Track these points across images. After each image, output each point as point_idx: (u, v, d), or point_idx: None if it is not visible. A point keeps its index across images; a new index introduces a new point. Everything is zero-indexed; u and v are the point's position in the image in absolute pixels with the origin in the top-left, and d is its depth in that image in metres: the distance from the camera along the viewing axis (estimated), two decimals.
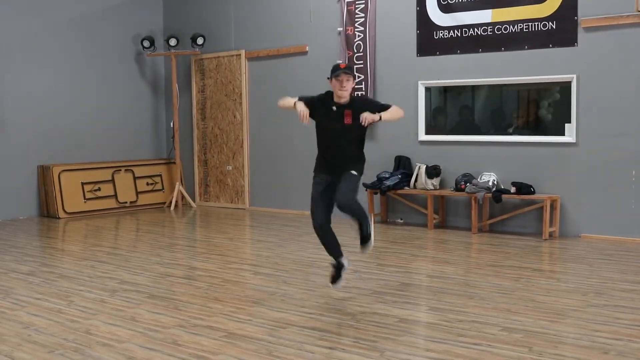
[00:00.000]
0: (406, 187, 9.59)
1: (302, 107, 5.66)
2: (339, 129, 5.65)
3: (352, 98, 5.76)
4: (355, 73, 5.76)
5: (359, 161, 5.81)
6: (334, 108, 5.65)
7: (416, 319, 5.30)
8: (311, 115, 5.69)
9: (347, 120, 5.62)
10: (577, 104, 8.49)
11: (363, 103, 5.88)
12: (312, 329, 4.97)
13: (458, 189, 9.14)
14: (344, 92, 5.58)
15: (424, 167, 9.42)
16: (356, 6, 10.15)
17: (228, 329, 5.01)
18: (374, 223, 5.71)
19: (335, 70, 5.62)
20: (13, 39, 10.90)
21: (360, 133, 5.72)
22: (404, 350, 4.49)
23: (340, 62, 5.83)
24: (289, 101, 5.87)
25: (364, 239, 5.62)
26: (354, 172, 5.66)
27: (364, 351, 4.46)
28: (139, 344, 4.69)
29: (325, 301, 5.71)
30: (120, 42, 12.25)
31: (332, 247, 5.79)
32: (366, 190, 9.80)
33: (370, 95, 10.03)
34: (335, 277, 5.76)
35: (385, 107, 5.74)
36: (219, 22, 11.93)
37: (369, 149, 9.94)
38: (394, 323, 5.08)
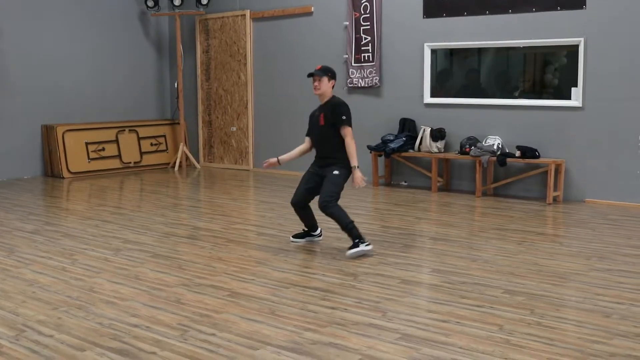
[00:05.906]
0: (410, 150, 9.56)
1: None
2: (317, 130, 6.12)
3: (328, 101, 6.06)
4: (330, 73, 5.96)
5: (340, 159, 6.01)
6: (316, 112, 6.18)
7: (419, 280, 5.32)
8: None
9: (321, 121, 6.06)
10: (584, 67, 8.41)
11: (331, 109, 6.03)
12: (315, 289, 4.99)
13: (463, 152, 9.11)
14: (315, 91, 6.06)
15: (428, 130, 9.37)
16: None
17: (231, 288, 5.03)
18: (365, 246, 5.89)
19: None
20: None
21: (334, 134, 5.99)
22: (406, 311, 4.50)
23: (319, 65, 6.14)
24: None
25: (353, 244, 5.95)
26: (335, 172, 5.97)
27: (366, 311, 4.48)
28: (143, 302, 4.72)
29: (328, 262, 5.73)
30: (124, 2, 12.14)
31: (304, 222, 6.39)
32: (370, 152, 9.79)
33: (376, 57, 9.98)
34: (298, 235, 6.45)
35: (340, 123, 5.92)
36: None
37: (374, 111, 10.10)
38: (396, 284, 5.10)
